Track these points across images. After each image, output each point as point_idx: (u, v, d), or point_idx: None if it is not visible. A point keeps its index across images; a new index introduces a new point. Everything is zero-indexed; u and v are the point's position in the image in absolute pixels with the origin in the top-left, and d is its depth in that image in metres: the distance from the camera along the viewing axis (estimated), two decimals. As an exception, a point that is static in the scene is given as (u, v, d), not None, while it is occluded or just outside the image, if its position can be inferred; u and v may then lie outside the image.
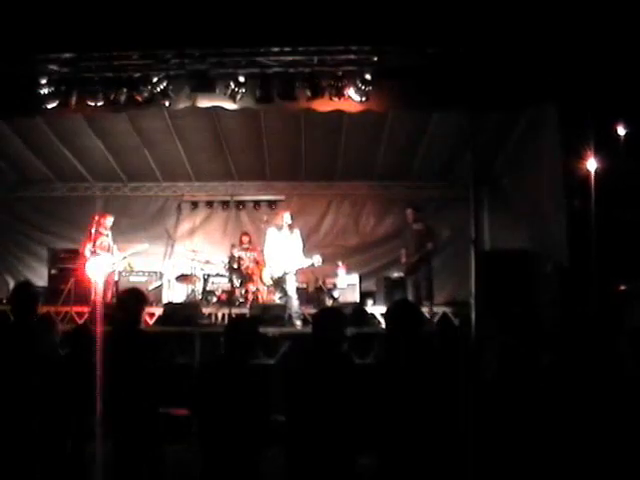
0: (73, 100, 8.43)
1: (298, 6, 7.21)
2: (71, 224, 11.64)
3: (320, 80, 8.21)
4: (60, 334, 5.32)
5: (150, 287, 10.24)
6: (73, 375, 4.83)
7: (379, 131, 10.31)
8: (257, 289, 10.28)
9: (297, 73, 8.22)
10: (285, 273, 9.30)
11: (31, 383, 4.11)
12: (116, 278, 10.13)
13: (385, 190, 12.25)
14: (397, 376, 3.68)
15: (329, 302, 10.10)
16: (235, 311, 9.42)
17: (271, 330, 8.15)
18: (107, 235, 9.98)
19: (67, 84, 8.30)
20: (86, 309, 9.18)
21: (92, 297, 9.45)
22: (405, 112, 9.41)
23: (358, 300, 10.23)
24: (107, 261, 9.82)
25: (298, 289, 9.88)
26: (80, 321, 8.92)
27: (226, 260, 10.39)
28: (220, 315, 9.63)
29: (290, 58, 8.06)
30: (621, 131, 7.59)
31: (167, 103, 8.43)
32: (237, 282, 10.26)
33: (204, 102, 8.52)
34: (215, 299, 10.35)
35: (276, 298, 9.64)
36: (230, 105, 8.46)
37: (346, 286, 10.49)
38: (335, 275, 10.74)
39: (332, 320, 4.02)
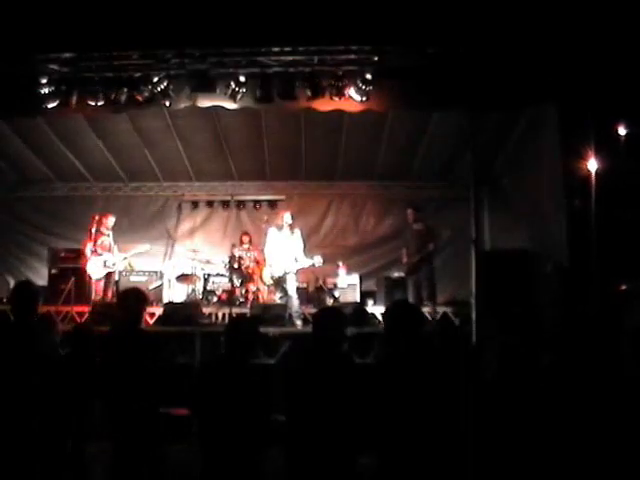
0: (73, 100, 8.43)
1: (298, 6, 7.21)
2: (71, 224, 11.64)
3: (320, 80, 8.20)
4: (60, 334, 5.33)
5: (150, 287, 10.24)
6: (73, 375, 4.84)
7: (379, 131, 10.31)
8: (257, 289, 10.29)
9: (297, 73, 8.21)
10: (286, 273, 9.31)
11: (31, 383, 4.11)
12: (116, 278, 10.13)
13: (385, 190, 12.25)
14: (397, 376, 3.68)
15: (329, 302, 10.10)
16: (235, 311, 9.42)
17: (271, 330, 8.16)
18: (108, 235, 10.01)
19: (67, 84, 8.30)
20: (86, 309, 9.18)
21: (92, 297, 9.48)
22: (405, 112, 9.41)
23: (358, 300, 10.22)
24: (108, 261, 9.84)
25: (298, 289, 9.89)
26: (80, 321, 8.91)
27: (226, 260, 10.40)
28: (220, 315, 9.63)
29: (290, 58, 8.05)
30: (621, 131, 7.59)
31: (167, 103, 8.43)
32: (237, 282, 10.27)
33: (204, 102, 8.51)
34: (215, 299, 10.36)
35: (276, 298, 9.65)
36: (230, 105, 8.46)
37: (346, 286, 10.49)
38: (335, 275, 10.74)
39: (332, 320, 4.02)
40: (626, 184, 7.45)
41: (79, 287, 9.35)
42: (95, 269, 9.68)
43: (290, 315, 9.12)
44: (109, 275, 9.93)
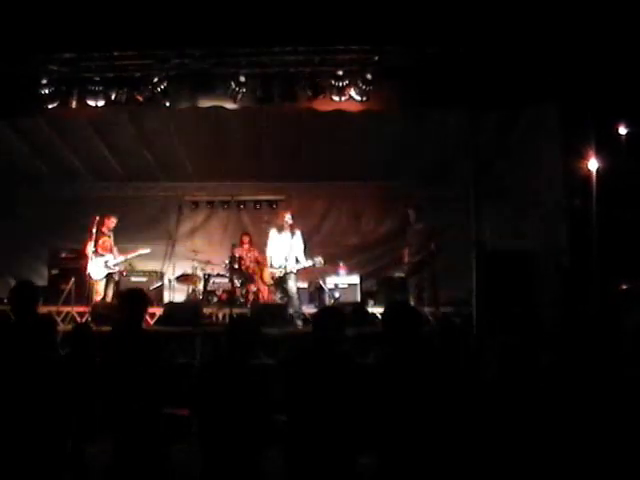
0: (74, 100, 8.45)
1: (299, 6, 7.22)
2: (72, 224, 11.61)
3: (320, 80, 8.21)
4: (60, 334, 5.33)
5: (151, 287, 10.25)
6: (73, 375, 4.84)
7: (379, 131, 10.30)
8: (258, 289, 10.30)
9: (297, 73, 8.22)
10: (286, 273, 9.31)
11: (31, 383, 4.11)
12: (117, 278, 10.13)
13: (386, 190, 12.24)
14: (397, 376, 3.68)
15: (330, 302, 10.10)
16: (236, 311, 9.41)
17: (272, 330, 8.15)
18: (109, 236, 10.02)
19: (68, 84, 8.32)
20: (87, 309, 9.18)
21: (93, 297, 9.48)
22: (405, 112, 9.41)
23: (359, 300, 10.22)
24: (109, 262, 9.84)
25: (299, 289, 9.89)
26: (81, 321, 8.91)
27: (227, 260, 10.39)
28: (221, 315, 9.63)
29: (290, 58, 8.07)
30: (622, 131, 7.59)
31: (168, 103, 8.44)
32: (238, 282, 10.27)
33: (205, 102, 8.52)
34: (216, 299, 10.36)
35: (277, 298, 9.65)
36: (231, 105, 8.47)
37: (347, 286, 10.48)
38: (336, 275, 10.74)
39: (332, 320, 4.02)
40: (626, 184, 7.46)
41: (79, 287, 9.35)
42: (96, 270, 9.68)
43: (291, 315, 9.12)
44: (109, 275, 9.94)
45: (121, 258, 10.02)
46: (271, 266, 9.61)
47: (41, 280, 10.67)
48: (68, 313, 9.09)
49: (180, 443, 5.11)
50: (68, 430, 4.65)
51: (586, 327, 6.55)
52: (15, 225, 12.10)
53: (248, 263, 10.38)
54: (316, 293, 10.67)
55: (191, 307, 9.36)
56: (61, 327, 8.37)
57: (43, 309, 8.35)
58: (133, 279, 10.41)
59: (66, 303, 9.17)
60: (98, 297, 9.65)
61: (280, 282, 9.44)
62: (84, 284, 9.46)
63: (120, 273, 10.19)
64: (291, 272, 9.35)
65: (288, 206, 11.33)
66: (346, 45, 7.92)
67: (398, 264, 10.73)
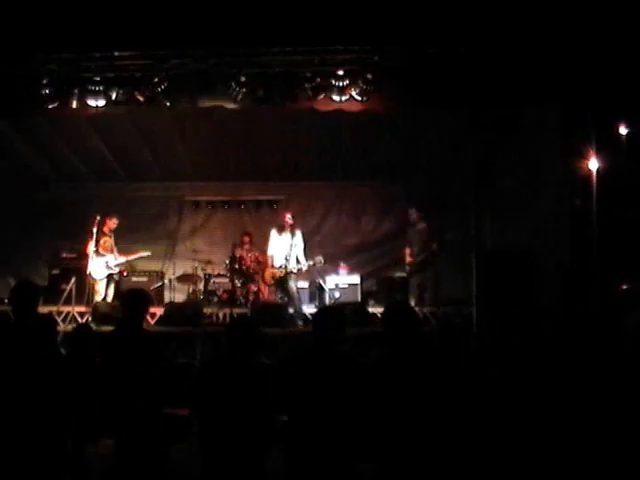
0: (74, 100, 8.46)
1: (299, 6, 7.22)
2: (72, 224, 11.59)
3: (321, 80, 8.21)
4: (60, 334, 5.34)
5: (151, 287, 10.25)
6: (74, 375, 4.84)
7: (379, 131, 10.31)
8: (258, 289, 10.30)
9: (298, 73, 8.22)
10: (287, 273, 9.32)
11: (31, 382, 4.11)
12: (117, 278, 10.14)
13: (386, 190, 12.24)
14: (397, 376, 3.68)
15: (330, 302, 10.10)
16: (236, 311, 9.42)
17: (272, 330, 8.15)
18: (110, 236, 10.03)
19: (68, 84, 8.32)
20: (87, 309, 9.19)
21: (93, 297, 9.49)
22: (405, 112, 9.41)
23: (359, 300, 10.22)
24: (110, 262, 9.85)
25: (299, 289, 9.90)
26: (81, 321, 8.92)
27: (227, 260, 10.40)
28: (222, 315, 9.63)
29: (291, 58, 8.06)
30: (622, 131, 7.59)
31: (168, 103, 8.44)
32: (238, 282, 10.27)
33: (205, 102, 8.52)
34: (216, 299, 10.36)
35: (277, 298, 9.66)
36: (231, 105, 8.47)
37: (347, 286, 10.48)
38: (336, 275, 10.74)
39: (332, 320, 4.02)
40: (627, 184, 7.46)
41: (80, 287, 9.35)
42: (97, 270, 9.69)
43: (291, 315, 9.13)
44: (110, 276, 9.95)
45: (122, 259, 10.03)
46: (272, 266, 9.63)
47: (42, 280, 10.67)
48: (68, 313, 9.09)
49: (180, 443, 5.12)
50: (68, 430, 4.66)
51: (586, 327, 6.55)
52: (16, 225, 12.11)
53: (249, 263, 10.38)
54: (316, 293, 10.68)
55: (191, 307, 9.36)
56: (61, 327, 8.40)
57: (44, 309, 8.35)
58: (134, 279, 10.42)
59: (67, 303, 9.17)
60: (98, 297, 9.66)
61: (281, 282, 9.46)
62: (85, 284, 9.45)
63: (121, 273, 10.19)
64: (291, 272, 9.37)
65: (288, 206, 11.35)
66: (346, 45, 7.92)
67: (399, 264, 10.74)
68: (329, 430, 3.70)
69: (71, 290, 9.18)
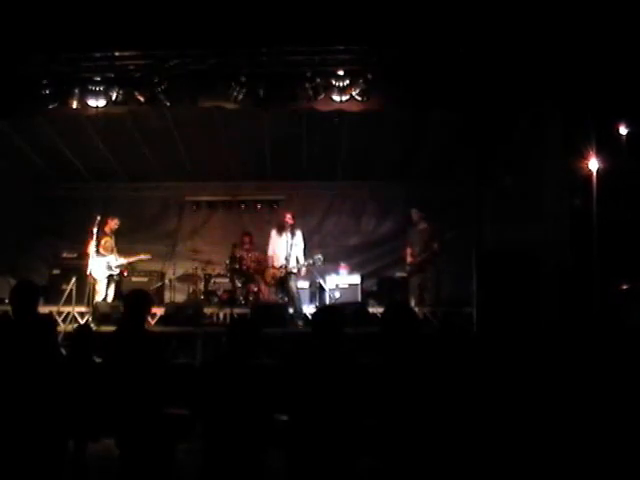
0: (74, 100, 8.45)
1: (299, 6, 7.22)
2: (72, 224, 11.61)
3: (321, 80, 8.21)
4: (60, 334, 5.34)
5: (152, 287, 10.25)
6: (75, 375, 4.85)
7: (379, 131, 10.31)
8: (259, 289, 10.30)
9: (298, 73, 8.22)
10: (287, 273, 9.32)
11: (31, 382, 4.11)
12: (117, 278, 10.14)
13: (386, 190, 12.24)
14: (397, 376, 3.68)
15: (330, 302, 10.10)
16: (237, 311, 9.42)
17: (273, 330, 8.15)
18: (111, 237, 10.03)
19: (68, 84, 8.32)
20: (88, 309, 9.19)
21: (94, 297, 9.48)
22: (405, 112, 9.40)
23: (360, 300, 10.22)
24: (111, 262, 9.86)
25: (300, 289, 9.91)
26: (82, 321, 8.92)
27: (227, 260, 10.40)
28: (222, 315, 9.63)
29: (291, 58, 8.06)
30: (623, 131, 7.58)
31: (168, 103, 8.44)
32: (239, 282, 10.27)
33: (205, 102, 8.53)
34: (217, 299, 10.35)
35: (278, 298, 9.66)
36: (231, 105, 8.47)
37: (348, 286, 10.48)
38: (337, 274, 10.74)
39: (330, 319, 4.02)
40: (627, 184, 7.45)
41: (80, 287, 9.34)
42: (98, 270, 9.69)
43: (291, 315, 9.14)
44: (110, 276, 9.95)
45: (122, 260, 10.04)
46: (272, 266, 9.63)
47: (43, 280, 10.66)
48: (69, 313, 9.09)
49: (182, 443, 5.12)
50: (69, 430, 4.66)
51: (586, 327, 6.55)
52: (16, 225, 12.10)
53: (249, 263, 10.38)
54: (316, 293, 10.68)
55: (192, 307, 9.36)
56: (62, 327, 8.40)
57: (44, 309, 8.36)
58: (134, 279, 10.43)
59: (67, 303, 9.16)
60: (99, 297, 9.66)
61: (281, 282, 9.46)
62: (85, 284, 9.45)
63: (121, 273, 10.19)
64: (292, 272, 9.37)
65: (289, 206, 11.34)
66: (346, 45, 7.92)
67: (400, 264, 10.74)
68: (329, 430, 3.70)
69: (71, 290, 9.17)
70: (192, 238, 12.11)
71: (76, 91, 8.42)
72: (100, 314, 8.86)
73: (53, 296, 9.54)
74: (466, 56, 7.72)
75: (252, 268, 10.35)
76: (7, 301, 8.98)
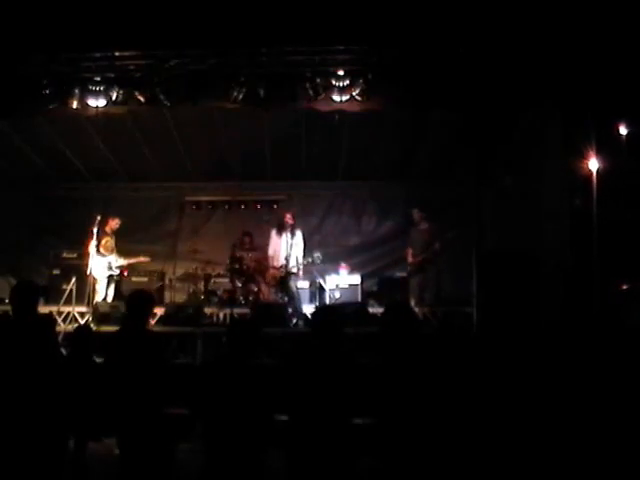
0: (75, 100, 8.46)
1: (299, 6, 7.22)
2: (72, 224, 11.61)
3: (321, 80, 8.21)
4: (60, 334, 5.34)
5: (152, 287, 10.24)
6: (75, 375, 4.85)
7: (379, 131, 10.30)
8: (259, 289, 10.29)
9: (298, 73, 8.22)
10: (287, 273, 9.32)
11: (32, 382, 4.11)
12: (117, 278, 10.14)
13: (386, 190, 12.23)
14: (397, 376, 3.68)
15: (331, 302, 10.11)
16: (237, 311, 9.42)
17: (273, 330, 8.15)
18: (112, 237, 10.04)
19: (68, 84, 8.32)
20: (88, 309, 9.19)
21: (94, 297, 9.49)
22: (405, 112, 9.40)
23: (360, 300, 10.22)
24: (112, 263, 9.86)
25: (300, 289, 9.91)
26: (82, 321, 8.92)
27: (228, 260, 10.39)
28: (222, 315, 9.63)
29: (291, 58, 8.06)
30: (623, 131, 7.59)
31: (168, 103, 8.44)
32: (239, 282, 10.27)
33: (205, 102, 8.52)
34: (217, 299, 10.35)
35: (278, 298, 9.66)
36: (231, 105, 8.46)
37: (348, 286, 10.48)
38: (337, 274, 10.74)
39: (329, 319, 4.02)
40: (627, 184, 7.46)
41: (80, 287, 9.35)
42: (99, 270, 9.70)
43: (292, 315, 9.13)
44: (110, 276, 9.95)
45: (122, 261, 10.05)
46: (272, 266, 9.63)
47: (43, 280, 10.65)
48: (69, 313, 9.09)
49: (183, 443, 5.13)
50: (69, 429, 4.67)
51: (586, 327, 6.55)
52: (16, 225, 12.11)
53: (249, 263, 10.37)
54: (316, 293, 10.68)
55: (192, 307, 9.36)
56: (62, 327, 8.40)
57: (44, 309, 8.36)
58: (134, 279, 10.42)
59: (67, 303, 9.17)
60: (99, 297, 9.66)
61: (281, 282, 9.46)
62: (85, 284, 9.45)
63: (121, 273, 10.20)
64: (292, 272, 9.37)
65: (289, 206, 11.33)
66: (346, 45, 7.92)
67: (400, 264, 10.74)
68: (329, 430, 3.70)
69: (71, 290, 9.17)
70: (192, 238, 12.08)
71: (76, 91, 8.42)
72: (100, 314, 8.86)
73: (53, 296, 9.54)
74: (466, 56, 7.72)
75: (252, 268, 10.34)
76: (7, 301, 9.03)
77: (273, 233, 9.84)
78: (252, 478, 3.85)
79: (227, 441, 3.83)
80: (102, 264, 9.76)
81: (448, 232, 10.21)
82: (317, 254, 9.37)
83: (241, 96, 8.27)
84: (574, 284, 7.41)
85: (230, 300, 9.83)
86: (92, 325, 8.26)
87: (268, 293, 10.10)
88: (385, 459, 3.69)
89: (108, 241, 9.97)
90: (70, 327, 8.30)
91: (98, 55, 8.10)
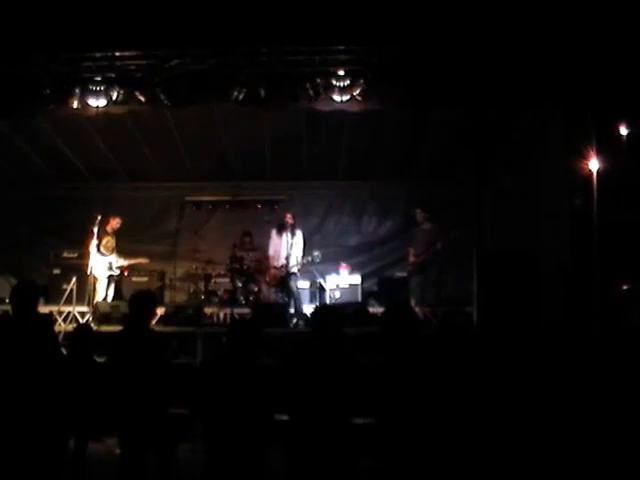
0: (75, 100, 8.45)
1: (299, 6, 7.22)
2: (72, 224, 11.61)
3: (321, 80, 8.21)
4: (60, 334, 5.35)
5: (152, 287, 10.24)
6: (75, 374, 4.85)
7: (380, 131, 10.30)
8: (259, 289, 10.30)
9: (298, 73, 8.22)
10: (288, 273, 9.32)
11: (32, 382, 4.12)
12: (117, 278, 10.15)
13: (386, 190, 12.23)
14: (397, 376, 3.68)
15: (331, 302, 10.11)
16: (237, 311, 9.42)
17: (273, 330, 8.15)
18: (112, 236, 10.04)
19: (69, 84, 8.32)
20: (88, 309, 9.19)
21: (94, 297, 9.49)
22: (405, 111, 9.40)
23: (360, 300, 10.22)
24: (112, 263, 9.86)
25: (300, 289, 9.91)
26: (82, 321, 8.93)
27: (228, 260, 10.39)
28: (222, 315, 9.63)
29: (291, 58, 8.06)
30: (623, 131, 7.59)
31: (168, 103, 8.44)
32: (239, 282, 10.27)
33: (205, 102, 8.52)
34: (217, 299, 10.36)
35: (279, 298, 9.66)
36: (231, 105, 8.46)
37: (348, 286, 10.49)
38: (337, 274, 10.74)
39: (329, 319, 4.02)
40: (627, 184, 7.46)
41: (81, 287, 9.35)
42: (100, 270, 9.70)
43: (292, 315, 9.14)
44: (111, 276, 9.96)
45: (122, 262, 10.06)
46: (272, 266, 9.63)
47: (43, 280, 10.65)
48: (69, 313, 9.09)
49: (184, 442, 5.13)
50: (69, 429, 4.67)
51: (587, 327, 6.56)
52: (16, 225, 12.11)
53: (249, 263, 10.38)
54: (317, 293, 10.68)
55: (192, 307, 9.36)
56: (62, 327, 8.40)
57: (44, 309, 8.37)
58: (134, 279, 10.42)
59: (67, 303, 9.17)
60: (99, 297, 9.66)
61: (281, 282, 9.46)
62: (85, 283, 9.45)
63: (121, 273, 10.20)
64: (292, 272, 9.38)
65: (289, 206, 11.33)
66: (346, 45, 7.92)
67: (400, 264, 10.74)
68: (329, 429, 3.70)
69: (72, 290, 9.18)
70: (192, 238, 12.08)
71: (76, 91, 8.41)
72: (100, 314, 8.87)
73: (53, 296, 9.55)
74: (466, 56, 7.72)
75: (252, 268, 10.36)
76: (7, 301, 9.03)
77: (273, 233, 9.84)
78: (252, 478, 3.86)
79: (227, 441, 3.83)
80: (103, 264, 9.76)
81: (450, 232, 10.22)
82: (316, 253, 9.37)
83: (241, 96, 8.27)
84: (574, 284, 7.41)
85: (230, 300, 9.84)
86: (92, 325, 8.26)
87: (268, 293, 10.10)
88: (385, 459, 3.69)
89: (109, 241, 9.97)
90: (70, 327, 8.30)
91: (98, 55, 8.10)
